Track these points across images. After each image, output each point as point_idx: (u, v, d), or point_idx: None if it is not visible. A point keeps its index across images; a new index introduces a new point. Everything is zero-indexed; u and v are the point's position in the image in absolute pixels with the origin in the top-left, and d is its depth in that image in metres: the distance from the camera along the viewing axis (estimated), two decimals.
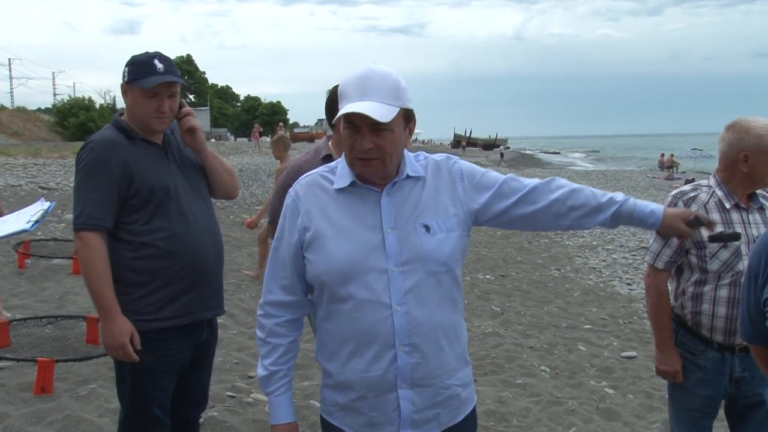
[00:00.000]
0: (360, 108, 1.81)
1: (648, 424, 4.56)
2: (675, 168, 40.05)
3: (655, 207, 2.09)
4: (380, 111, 1.82)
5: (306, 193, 2.00)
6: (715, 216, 2.76)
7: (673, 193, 2.96)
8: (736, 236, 2.61)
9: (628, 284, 9.71)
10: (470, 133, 79.35)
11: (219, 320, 6.81)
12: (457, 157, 2.10)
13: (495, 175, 2.07)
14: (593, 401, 4.91)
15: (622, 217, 2.07)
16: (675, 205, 2.85)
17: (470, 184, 2.03)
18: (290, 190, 2.06)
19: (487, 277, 9.56)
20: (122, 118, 2.72)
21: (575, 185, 2.09)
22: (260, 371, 2.09)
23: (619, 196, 2.08)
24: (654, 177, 35.64)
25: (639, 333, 6.98)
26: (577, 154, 74.31)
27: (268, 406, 2.14)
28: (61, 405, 4.14)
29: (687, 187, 2.94)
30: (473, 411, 2.12)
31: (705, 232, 2.75)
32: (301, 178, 2.08)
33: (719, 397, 2.88)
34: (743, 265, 2.69)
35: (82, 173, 2.59)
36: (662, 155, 43.92)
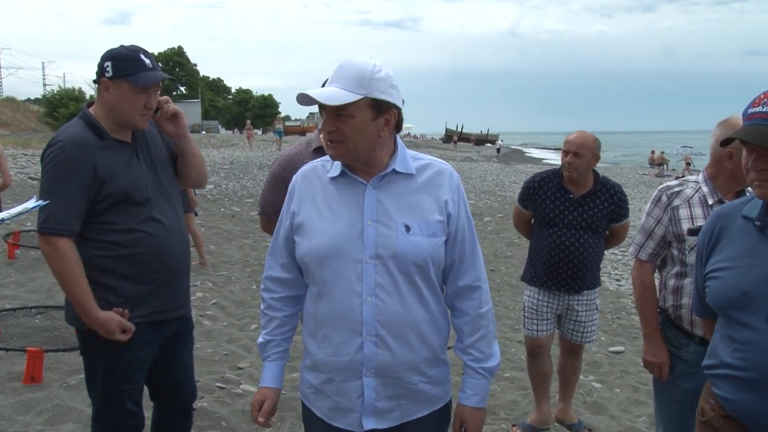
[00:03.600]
0: (310, 90, 1.90)
1: (634, 417, 4.61)
2: (665, 165, 40.21)
3: (467, 398, 2.12)
4: (330, 95, 1.88)
5: (302, 180, 2.10)
6: (698, 210, 2.81)
7: (659, 187, 3.01)
8: None
9: (617, 280, 9.77)
10: (462, 128, 79.36)
11: (209, 312, 6.84)
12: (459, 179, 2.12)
13: (464, 234, 2.08)
14: (580, 395, 4.95)
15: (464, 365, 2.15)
16: (659, 198, 2.92)
17: (456, 206, 2.05)
18: (306, 166, 2.15)
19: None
20: (91, 111, 2.63)
21: (484, 323, 2.11)
22: (259, 339, 2.25)
23: (483, 362, 2.11)
24: (644, 174, 35.80)
25: (627, 328, 7.03)
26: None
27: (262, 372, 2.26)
28: (50, 394, 4.15)
29: (674, 182, 2.98)
30: (444, 408, 2.16)
31: (686, 225, 2.80)
32: (306, 165, 2.16)
33: (701, 390, 2.90)
34: None
35: (51, 174, 2.48)
36: (653, 152, 44.09)
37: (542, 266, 4.08)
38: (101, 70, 2.57)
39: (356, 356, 1.98)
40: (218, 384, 4.61)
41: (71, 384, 4.37)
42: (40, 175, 2.50)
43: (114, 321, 2.56)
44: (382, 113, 1.93)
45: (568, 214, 4.00)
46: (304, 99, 1.92)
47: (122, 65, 2.54)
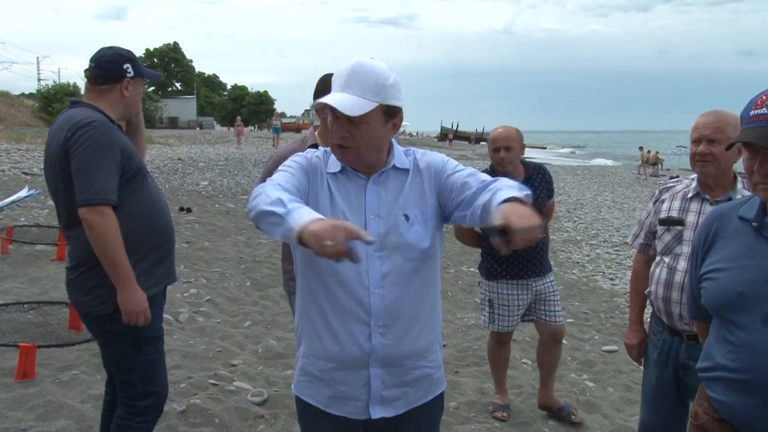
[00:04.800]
0: (330, 99, 1.90)
1: (627, 416, 4.61)
2: (660, 164, 40.25)
3: (504, 194, 1.78)
4: (351, 104, 1.89)
5: (315, 167, 2.07)
6: (676, 204, 2.94)
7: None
8: (679, 222, 2.88)
9: (611, 279, 9.79)
10: (457, 126, 79.34)
11: (203, 308, 6.82)
12: (449, 158, 2.15)
13: (461, 174, 2.06)
14: (574, 394, 4.96)
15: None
16: (654, 194, 3.09)
17: (442, 176, 2.08)
18: (310, 150, 2.12)
19: (471, 269, 9.59)
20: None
21: (510, 190, 1.84)
22: (257, 210, 1.79)
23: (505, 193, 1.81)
24: (639, 174, 35.84)
25: (621, 327, 7.03)
26: (563, 150, 75.52)
27: (289, 219, 1.69)
28: (42, 390, 4.14)
29: (673, 180, 3.11)
30: (441, 395, 2.23)
31: (663, 216, 2.99)
32: (313, 151, 2.13)
33: (671, 379, 2.99)
34: (682, 249, 2.87)
35: (91, 150, 2.62)
36: (648, 152, 44.15)
37: (511, 258, 4.19)
38: (120, 72, 2.81)
39: (364, 347, 2.00)
40: (211, 381, 4.59)
41: (64, 380, 4.35)
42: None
43: (146, 300, 2.74)
44: (391, 117, 1.99)
45: None
46: (321, 105, 1.94)
47: (137, 65, 2.89)
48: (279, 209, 1.72)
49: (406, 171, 2.08)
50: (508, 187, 1.85)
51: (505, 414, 4.42)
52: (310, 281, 2.05)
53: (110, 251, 2.63)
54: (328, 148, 2.12)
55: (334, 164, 2.05)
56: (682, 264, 2.85)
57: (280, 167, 2.04)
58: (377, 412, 2.06)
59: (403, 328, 2.02)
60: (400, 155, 2.09)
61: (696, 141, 2.81)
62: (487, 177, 2.01)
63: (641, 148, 35.70)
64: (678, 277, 2.86)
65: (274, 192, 1.79)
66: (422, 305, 2.07)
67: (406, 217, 2.02)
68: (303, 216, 1.67)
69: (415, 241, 2.01)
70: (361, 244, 1.93)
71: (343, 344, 2.01)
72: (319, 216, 1.68)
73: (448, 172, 2.08)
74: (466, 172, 2.06)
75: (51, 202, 10.64)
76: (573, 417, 4.42)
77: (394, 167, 2.06)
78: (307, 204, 1.87)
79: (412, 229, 2.01)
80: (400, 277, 2.00)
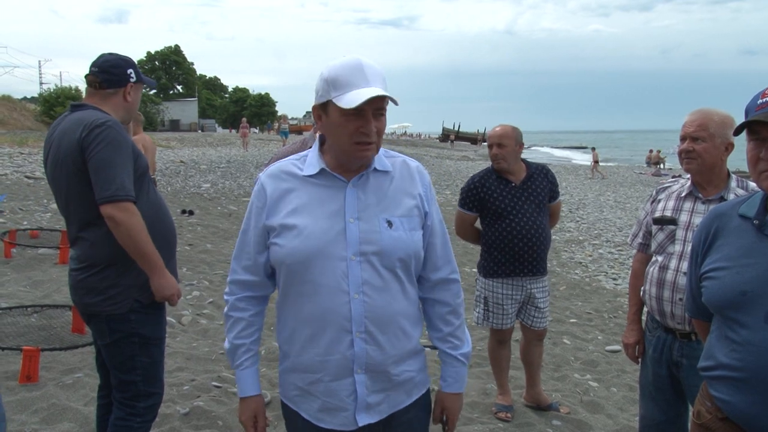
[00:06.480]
0: (383, 92, 1.85)
1: (631, 416, 4.61)
2: (662, 164, 40.22)
3: (448, 386, 2.20)
4: (391, 95, 1.91)
5: (273, 182, 2.03)
6: (671, 203, 2.97)
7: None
8: (672, 221, 2.92)
9: (614, 279, 9.77)
10: (459, 127, 79.24)
11: (206, 311, 6.80)
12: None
13: (436, 221, 2.14)
14: (577, 394, 4.96)
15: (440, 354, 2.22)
16: (651, 194, 3.13)
17: (429, 201, 2.10)
18: (259, 175, 2.10)
19: (474, 270, 9.59)
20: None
21: (461, 312, 2.20)
22: (225, 344, 2.18)
23: (461, 349, 2.18)
24: (641, 173, 35.82)
25: (624, 327, 7.00)
26: (567, 152, 75.53)
27: (236, 381, 2.21)
28: (46, 393, 4.14)
29: (670, 180, 3.12)
30: (426, 394, 2.20)
31: (657, 215, 3.03)
32: (270, 166, 2.11)
33: (667, 376, 3.03)
34: (674, 248, 2.90)
35: (109, 149, 2.68)
36: (650, 151, 44.15)
37: (507, 256, 4.23)
38: (124, 77, 2.91)
39: (347, 354, 1.97)
40: (214, 383, 4.60)
41: (67, 383, 4.36)
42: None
43: (176, 283, 2.88)
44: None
45: (517, 201, 4.23)
46: (369, 99, 1.84)
47: (138, 71, 3.00)
48: (231, 360, 2.16)
49: (387, 173, 2.04)
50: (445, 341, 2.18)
51: (508, 414, 4.42)
52: (292, 292, 2.02)
53: (140, 243, 2.70)
54: (302, 153, 2.08)
55: (312, 166, 2.00)
56: (674, 263, 2.88)
57: (238, 240, 2.12)
58: (363, 419, 2.03)
59: (385, 333, 1.98)
60: (380, 157, 2.04)
61: (682, 138, 2.90)
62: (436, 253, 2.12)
63: (593, 149, 35.43)
64: (669, 276, 2.89)
65: (229, 321, 2.15)
66: (403, 311, 2.03)
67: (389, 223, 1.98)
68: (240, 388, 2.15)
69: (397, 247, 1.97)
70: (342, 248, 1.94)
71: (326, 352, 1.98)
72: (250, 393, 2.14)
73: (433, 212, 2.12)
74: (441, 239, 2.13)
75: (54, 206, 10.66)
76: (561, 411, 4.54)
77: (375, 170, 2.02)
78: (273, 217, 1.99)
79: (395, 235, 1.97)
80: (380, 283, 1.97)
